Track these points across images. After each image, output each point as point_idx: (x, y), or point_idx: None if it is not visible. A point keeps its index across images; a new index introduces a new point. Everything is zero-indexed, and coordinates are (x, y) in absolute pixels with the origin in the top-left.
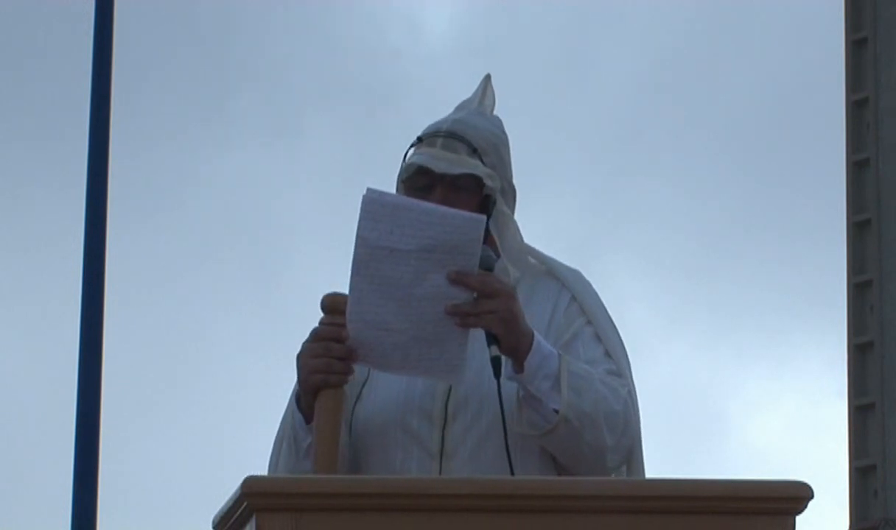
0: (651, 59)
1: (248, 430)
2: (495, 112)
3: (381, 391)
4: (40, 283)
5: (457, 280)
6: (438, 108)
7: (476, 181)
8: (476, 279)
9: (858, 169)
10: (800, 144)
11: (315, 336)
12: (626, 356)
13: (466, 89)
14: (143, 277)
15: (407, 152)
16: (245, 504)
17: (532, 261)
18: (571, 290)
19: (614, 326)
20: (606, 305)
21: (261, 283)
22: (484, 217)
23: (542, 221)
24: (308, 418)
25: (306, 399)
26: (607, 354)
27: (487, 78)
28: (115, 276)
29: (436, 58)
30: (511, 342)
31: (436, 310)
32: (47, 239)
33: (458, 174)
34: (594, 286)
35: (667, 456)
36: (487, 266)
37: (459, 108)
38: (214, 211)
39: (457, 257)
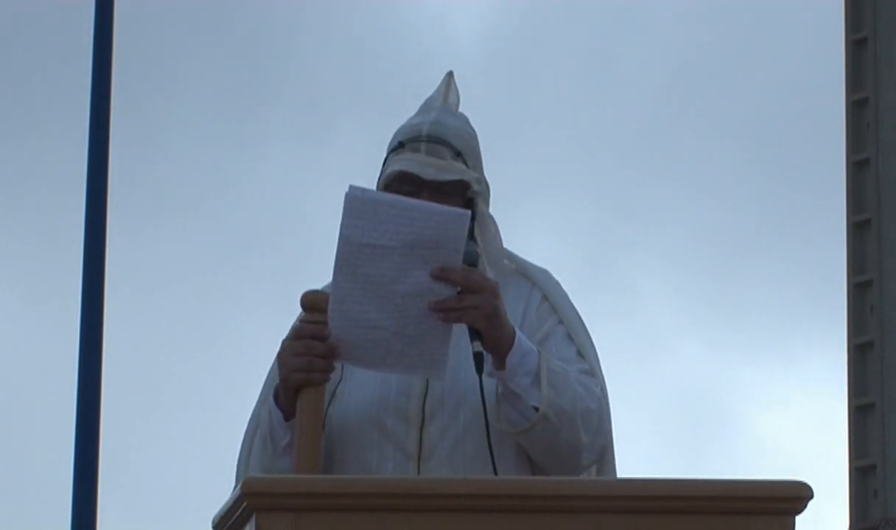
0: (666, 65)
1: None
2: (460, 109)
3: (354, 391)
4: (40, 282)
5: (440, 275)
6: (468, 110)
7: (461, 185)
8: (460, 274)
9: (858, 169)
10: (800, 144)
11: (296, 334)
12: (597, 356)
13: (494, 92)
14: (153, 277)
15: (387, 158)
16: (245, 504)
17: (505, 261)
18: (542, 290)
19: (584, 326)
20: (624, 306)
21: (281, 285)
22: (468, 212)
23: (561, 222)
24: (287, 416)
25: (286, 397)
26: (579, 354)
27: (450, 75)
28: (125, 276)
29: (466, 60)
30: (493, 338)
31: (419, 306)
32: (48, 238)
33: (448, 181)
34: (611, 286)
35: (674, 452)
36: (471, 261)
37: (425, 107)
38: (242, 213)
39: (440, 253)
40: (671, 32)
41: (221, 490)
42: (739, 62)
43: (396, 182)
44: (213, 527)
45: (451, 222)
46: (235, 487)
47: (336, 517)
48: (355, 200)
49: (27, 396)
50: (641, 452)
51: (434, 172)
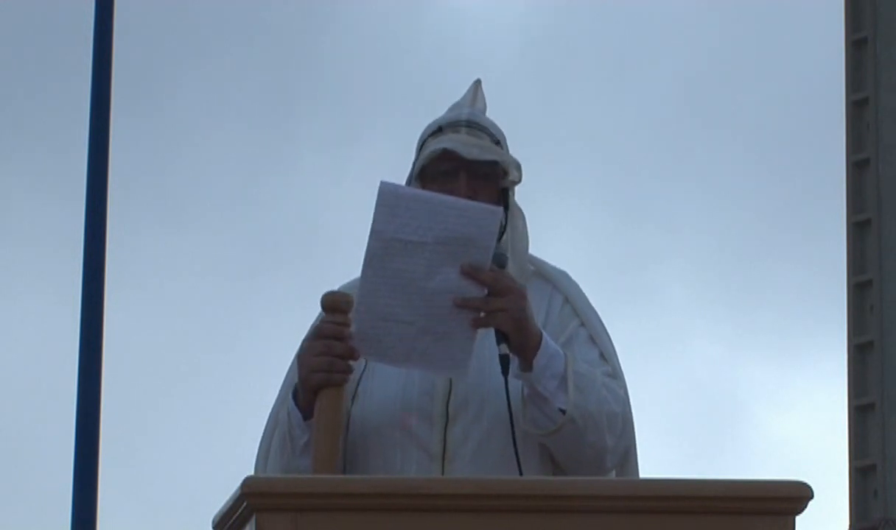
0: (679, 71)
1: (249, 430)
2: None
3: (377, 391)
4: (41, 282)
5: (469, 274)
6: (500, 115)
7: (496, 172)
8: (488, 275)
9: (858, 169)
10: (800, 144)
11: (316, 333)
12: (618, 358)
13: (518, 98)
14: (161, 279)
15: (423, 142)
16: (245, 504)
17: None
18: (563, 292)
19: (605, 328)
20: (641, 308)
21: (295, 291)
22: (500, 209)
23: (582, 224)
24: (306, 416)
25: (306, 397)
26: (602, 357)
27: (478, 82)
28: (136, 278)
29: (491, 67)
30: (520, 341)
31: (446, 303)
32: (48, 237)
33: (488, 161)
34: (630, 288)
35: (678, 451)
36: (500, 263)
37: (455, 107)
38: (267, 220)
39: (471, 250)
40: (684, 39)
41: (221, 490)
42: (742, 64)
43: (436, 161)
44: (213, 527)
45: (483, 218)
46: None
47: (336, 517)
48: (388, 195)
49: (27, 396)
50: (652, 449)
51: (477, 152)
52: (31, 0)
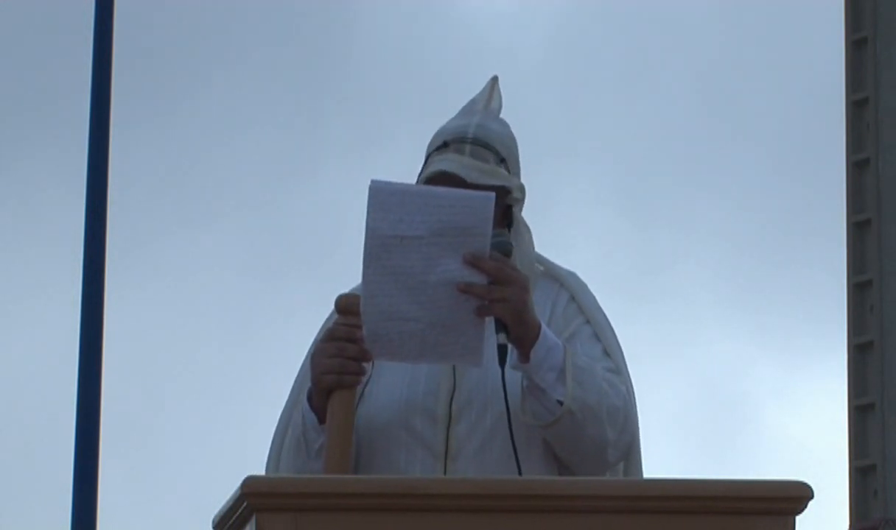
0: (689, 74)
1: (250, 430)
2: (502, 114)
3: (382, 391)
4: (41, 282)
5: (472, 263)
6: (520, 118)
7: (501, 191)
8: (491, 264)
9: (858, 169)
10: (800, 144)
11: (329, 335)
12: (623, 356)
13: (538, 102)
14: (166, 279)
15: (429, 156)
16: (245, 504)
17: (535, 264)
18: (570, 290)
19: (611, 326)
20: (666, 311)
21: (300, 295)
22: (493, 194)
23: (596, 227)
24: (321, 418)
25: (319, 399)
26: (606, 353)
27: (495, 79)
28: (133, 278)
29: (512, 71)
30: (519, 331)
31: (450, 294)
32: (48, 237)
33: (490, 186)
34: (655, 295)
35: (679, 450)
36: (505, 251)
37: (468, 109)
38: (293, 221)
39: (468, 238)
40: (690, 42)
41: (221, 490)
42: (743, 65)
43: (436, 181)
44: (214, 527)
45: (477, 206)
46: None
47: (336, 517)
48: (379, 192)
49: (27, 396)
50: (662, 447)
51: (477, 176)
52: (31, 0)
